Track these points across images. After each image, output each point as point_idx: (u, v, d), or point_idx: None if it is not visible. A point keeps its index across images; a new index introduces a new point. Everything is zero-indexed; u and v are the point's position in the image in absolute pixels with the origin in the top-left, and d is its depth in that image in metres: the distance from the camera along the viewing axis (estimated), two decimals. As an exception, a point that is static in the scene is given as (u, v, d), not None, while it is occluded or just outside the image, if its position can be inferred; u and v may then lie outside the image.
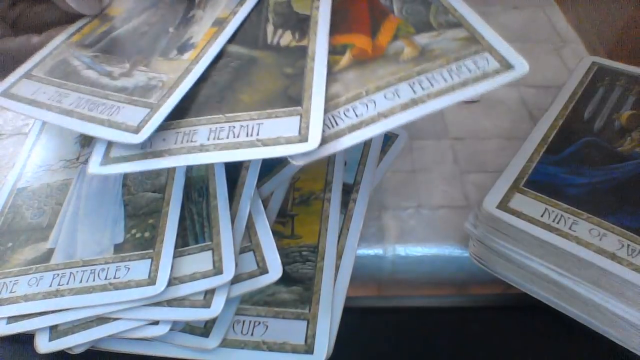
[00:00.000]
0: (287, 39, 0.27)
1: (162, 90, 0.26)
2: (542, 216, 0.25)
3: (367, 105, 0.23)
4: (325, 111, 0.23)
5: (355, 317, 0.26)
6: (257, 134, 0.23)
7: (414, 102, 0.23)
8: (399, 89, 0.24)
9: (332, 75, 0.25)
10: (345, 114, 0.23)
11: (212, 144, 0.23)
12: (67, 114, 0.26)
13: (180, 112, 0.25)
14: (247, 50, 0.27)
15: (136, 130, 0.24)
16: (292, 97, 0.24)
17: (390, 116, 0.23)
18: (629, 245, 0.23)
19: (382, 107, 0.23)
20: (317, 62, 0.25)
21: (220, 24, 0.29)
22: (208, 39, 0.28)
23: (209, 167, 0.30)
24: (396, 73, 0.24)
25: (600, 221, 0.24)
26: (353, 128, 0.22)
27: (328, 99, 0.23)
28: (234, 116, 0.24)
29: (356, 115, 0.23)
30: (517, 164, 0.28)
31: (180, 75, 0.26)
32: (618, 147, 0.28)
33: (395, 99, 0.23)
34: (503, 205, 0.25)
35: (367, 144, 0.33)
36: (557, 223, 0.24)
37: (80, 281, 0.26)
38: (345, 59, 0.25)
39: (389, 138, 0.34)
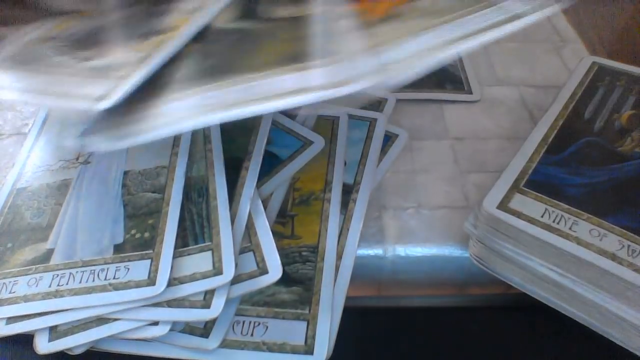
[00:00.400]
0: (285, 11, 0.27)
1: (134, 64, 0.25)
2: (542, 216, 0.25)
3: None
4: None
5: (355, 317, 0.26)
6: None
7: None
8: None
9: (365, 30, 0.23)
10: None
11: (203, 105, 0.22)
12: (29, 91, 0.25)
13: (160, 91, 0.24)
14: (242, 23, 0.27)
15: (99, 99, 0.23)
16: (297, 56, 0.22)
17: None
18: (629, 245, 0.23)
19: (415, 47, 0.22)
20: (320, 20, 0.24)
21: (201, 9, 0.28)
22: (187, 22, 0.27)
23: (209, 168, 0.30)
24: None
25: (601, 221, 0.24)
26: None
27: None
28: (229, 82, 0.22)
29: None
30: (517, 164, 0.27)
31: (154, 48, 0.25)
32: (618, 147, 0.28)
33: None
34: (503, 205, 0.25)
35: (366, 144, 0.33)
36: (558, 223, 0.24)
37: (80, 282, 0.26)
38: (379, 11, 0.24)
39: (389, 138, 0.34)
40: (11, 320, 0.25)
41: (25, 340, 0.25)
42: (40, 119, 0.36)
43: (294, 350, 0.25)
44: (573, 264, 0.24)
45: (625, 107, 0.30)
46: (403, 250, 0.29)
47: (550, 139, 0.29)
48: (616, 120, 0.30)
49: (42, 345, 0.25)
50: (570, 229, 0.24)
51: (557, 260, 0.24)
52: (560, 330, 0.28)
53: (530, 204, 0.25)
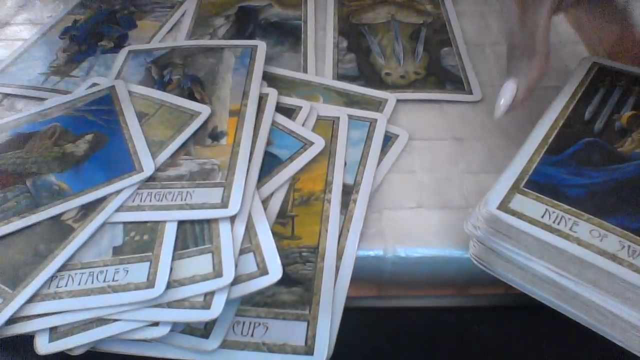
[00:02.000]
0: None
1: (223, 171, 0.30)
2: (542, 217, 0.25)
3: None
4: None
5: (355, 317, 0.26)
6: None
7: None
8: None
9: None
10: None
11: None
12: (137, 209, 0.28)
13: None
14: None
15: (225, 205, 0.28)
16: None
17: None
18: (629, 246, 0.23)
19: None
20: None
21: (236, 114, 0.34)
22: (235, 127, 0.33)
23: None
24: None
25: (601, 222, 0.24)
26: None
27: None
28: None
29: None
30: (517, 164, 0.27)
31: (231, 157, 0.31)
32: (618, 148, 0.28)
33: None
34: (504, 206, 0.25)
35: (367, 145, 0.33)
36: (558, 224, 0.24)
37: (79, 284, 0.26)
38: None
39: (389, 138, 0.34)
40: (11, 320, 0.25)
41: (25, 341, 0.25)
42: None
43: (294, 351, 0.25)
44: (573, 265, 0.24)
45: (626, 108, 0.30)
46: (403, 251, 0.29)
47: (551, 139, 0.29)
48: (616, 120, 0.30)
49: (43, 346, 0.25)
50: (570, 229, 0.24)
51: (558, 261, 0.24)
52: (560, 330, 0.28)
53: (531, 205, 0.25)
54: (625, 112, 0.30)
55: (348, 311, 0.26)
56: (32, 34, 0.45)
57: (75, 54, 0.43)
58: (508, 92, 0.29)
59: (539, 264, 0.25)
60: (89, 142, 0.33)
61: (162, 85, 0.37)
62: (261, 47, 0.40)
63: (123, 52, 0.41)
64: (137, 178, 0.30)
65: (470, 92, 0.38)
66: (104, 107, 0.35)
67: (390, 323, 0.30)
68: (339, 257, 0.28)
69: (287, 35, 0.44)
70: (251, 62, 0.38)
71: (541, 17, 0.29)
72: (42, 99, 0.38)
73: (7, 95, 0.39)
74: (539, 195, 0.26)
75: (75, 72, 0.41)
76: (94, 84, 0.38)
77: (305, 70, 0.40)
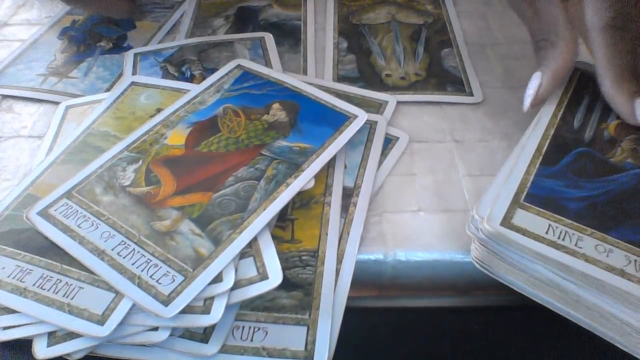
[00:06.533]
0: None
1: None
2: (546, 233, 0.24)
3: None
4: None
5: (355, 318, 0.26)
6: None
7: None
8: None
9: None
10: None
11: None
12: None
13: None
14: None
15: None
16: None
17: None
18: (636, 260, 0.23)
19: None
20: None
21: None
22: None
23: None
24: None
25: (605, 236, 0.24)
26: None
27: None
28: None
29: None
30: (515, 176, 0.27)
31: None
32: (610, 158, 0.28)
33: None
34: (507, 222, 0.25)
35: (367, 147, 0.33)
36: (563, 240, 0.24)
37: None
38: None
39: (389, 141, 0.34)
40: (9, 325, 0.25)
41: (24, 345, 0.25)
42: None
43: (294, 356, 0.25)
44: (580, 280, 0.23)
45: (612, 117, 0.30)
46: (404, 255, 0.29)
47: (544, 150, 0.28)
48: (604, 129, 0.29)
49: (41, 351, 0.25)
50: (576, 245, 0.23)
51: (564, 274, 0.24)
52: (560, 330, 0.27)
53: (534, 220, 0.25)
54: (611, 121, 0.30)
55: (348, 311, 0.26)
56: (30, 34, 0.45)
57: (73, 54, 0.42)
58: (532, 84, 0.29)
59: (542, 267, 0.25)
60: (283, 109, 0.33)
61: (186, 81, 0.38)
62: (268, 37, 0.41)
63: (130, 54, 0.41)
64: (357, 124, 0.32)
65: (471, 94, 0.38)
66: (253, 82, 0.36)
67: (390, 323, 0.29)
68: (339, 260, 0.27)
69: (287, 36, 0.43)
70: (265, 53, 0.39)
71: (551, 2, 0.29)
72: (41, 100, 0.38)
73: (5, 96, 0.39)
74: (540, 209, 0.25)
75: (74, 72, 0.41)
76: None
77: (305, 72, 0.40)
